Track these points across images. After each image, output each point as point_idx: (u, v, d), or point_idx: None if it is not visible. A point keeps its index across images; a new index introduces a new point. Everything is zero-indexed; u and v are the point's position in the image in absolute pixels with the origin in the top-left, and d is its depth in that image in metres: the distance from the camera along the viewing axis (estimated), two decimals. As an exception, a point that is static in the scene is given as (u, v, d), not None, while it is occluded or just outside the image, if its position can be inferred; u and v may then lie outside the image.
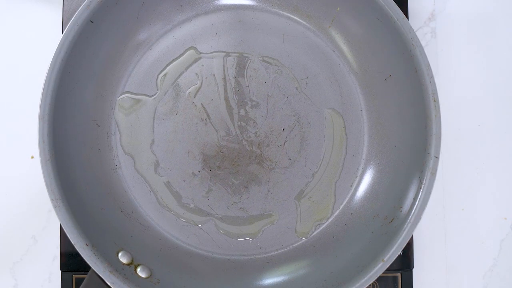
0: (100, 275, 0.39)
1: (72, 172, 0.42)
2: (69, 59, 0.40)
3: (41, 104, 0.40)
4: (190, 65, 0.47)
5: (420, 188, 0.41)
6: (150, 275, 0.42)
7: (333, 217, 0.47)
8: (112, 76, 0.46)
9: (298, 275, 0.44)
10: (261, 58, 0.47)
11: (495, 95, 0.52)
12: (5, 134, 0.50)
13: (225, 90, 0.47)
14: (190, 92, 0.47)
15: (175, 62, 0.47)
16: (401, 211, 0.42)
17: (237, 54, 0.47)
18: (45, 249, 0.49)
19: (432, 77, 0.41)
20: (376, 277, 0.40)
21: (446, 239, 0.51)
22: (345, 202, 0.47)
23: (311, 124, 0.47)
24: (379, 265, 0.40)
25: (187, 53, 0.47)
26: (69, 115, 0.42)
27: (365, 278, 0.40)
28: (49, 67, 0.40)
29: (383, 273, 0.40)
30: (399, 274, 0.47)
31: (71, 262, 0.47)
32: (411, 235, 0.40)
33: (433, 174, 0.40)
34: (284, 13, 0.47)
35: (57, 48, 0.40)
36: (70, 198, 0.40)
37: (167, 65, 0.47)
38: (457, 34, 0.52)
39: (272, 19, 0.47)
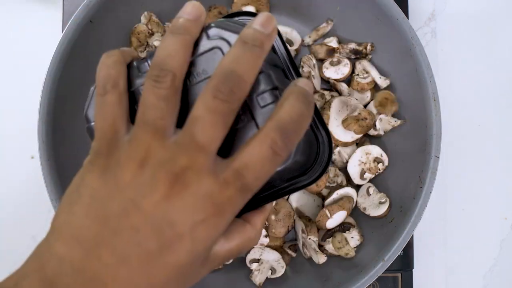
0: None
1: (71, 172, 0.42)
2: (69, 59, 0.40)
3: (41, 104, 0.40)
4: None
5: (420, 188, 0.41)
6: (150, 275, 0.42)
7: (333, 217, 0.47)
8: (112, 76, 0.46)
9: (298, 275, 0.44)
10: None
11: (495, 95, 0.52)
12: (5, 134, 0.50)
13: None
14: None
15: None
16: (401, 211, 0.42)
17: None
18: (45, 249, 0.49)
19: (432, 77, 0.40)
20: (376, 277, 0.40)
21: (446, 239, 0.51)
22: (345, 202, 0.47)
23: (311, 124, 0.47)
24: (379, 265, 0.40)
25: (187, 53, 0.47)
26: (69, 115, 0.42)
27: (365, 278, 0.40)
28: (49, 67, 0.40)
29: (383, 273, 0.40)
30: (399, 274, 0.47)
31: (71, 262, 0.47)
32: (411, 235, 0.40)
33: (433, 173, 0.40)
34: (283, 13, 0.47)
35: (57, 48, 0.40)
36: (70, 198, 0.40)
37: (167, 65, 0.47)
38: (457, 34, 0.52)
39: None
